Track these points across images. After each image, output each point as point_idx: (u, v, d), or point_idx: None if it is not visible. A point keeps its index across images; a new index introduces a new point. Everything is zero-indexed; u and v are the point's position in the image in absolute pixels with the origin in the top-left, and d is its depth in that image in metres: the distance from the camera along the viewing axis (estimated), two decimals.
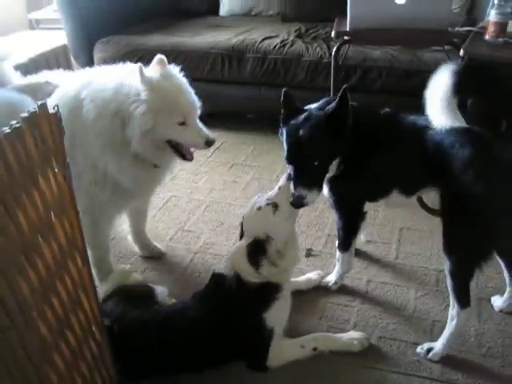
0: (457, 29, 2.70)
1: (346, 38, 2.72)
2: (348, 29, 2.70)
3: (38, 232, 1.27)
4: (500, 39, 2.46)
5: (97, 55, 3.82)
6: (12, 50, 2.22)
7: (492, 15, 2.46)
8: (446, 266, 1.82)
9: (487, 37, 2.49)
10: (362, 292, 2.28)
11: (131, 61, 3.55)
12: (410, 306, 2.19)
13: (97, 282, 1.92)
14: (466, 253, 1.79)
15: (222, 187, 3.06)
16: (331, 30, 3.06)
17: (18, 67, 3.68)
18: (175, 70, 2.00)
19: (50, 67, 3.97)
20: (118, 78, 1.93)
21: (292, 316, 2.00)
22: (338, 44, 2.72)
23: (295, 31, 3.62)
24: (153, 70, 1.93)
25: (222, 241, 2.61)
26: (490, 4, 2.48)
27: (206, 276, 2.04)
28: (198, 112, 2.02)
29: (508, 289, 2.12)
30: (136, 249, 2.57)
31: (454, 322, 1.87)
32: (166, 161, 2.09)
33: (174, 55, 3.43)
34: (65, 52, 4.12)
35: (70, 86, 2.03)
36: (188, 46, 3.56)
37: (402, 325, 2.10)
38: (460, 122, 1.73)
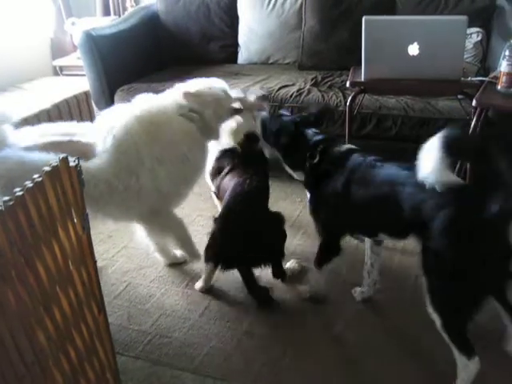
0: (470, 78, 2.75)
1: (360, 87, 2.78)
2: (363, 79, 2.75)
3: (57, 282, 1.31)
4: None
5: (117, 102, 3.91)
6: (12, 111, 2.29)
7: (504, 66, 2.50)
8: (436, 322, 1.80)
9: (499, 87, 2.53)
10: None
11: None
12: None
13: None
14: (453, 309, 1.78)
15: None
16: (347, 79, 3.13)
17: (41, 113, 3.84)
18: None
19: (71, 113, 4.11)
20: (168, 98, 2.51)
21: None
22: (353, 94, 2.77)
23: (311, 80, 3.69)
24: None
25: (237, 287, 2.59)
26: (502, 55, 2.52)
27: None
28: None
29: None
30: (159, 257, 2.79)
31: (463, 374, 1.82)
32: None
33: None
34: (87, 98, 4.23)
35: (127, 121, 2.32)
36: None
37: None
38: (448, 179, 1.74)
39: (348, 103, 2.80)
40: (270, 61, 4.29)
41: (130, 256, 2.91)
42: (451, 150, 1.71)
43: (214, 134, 2.55)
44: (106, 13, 5.08)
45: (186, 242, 2.70)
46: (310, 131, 2.30)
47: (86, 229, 1.46)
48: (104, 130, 2.35)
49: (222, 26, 4.40)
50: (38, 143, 2.24)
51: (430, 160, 1.74)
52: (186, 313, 2.47)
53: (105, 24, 4.28)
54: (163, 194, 2.40)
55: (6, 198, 1.08)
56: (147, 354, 2.24)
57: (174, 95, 2.49)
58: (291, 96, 3.44)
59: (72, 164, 1.36)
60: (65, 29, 4.86)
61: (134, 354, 2.25)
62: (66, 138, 2.32)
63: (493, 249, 1.69)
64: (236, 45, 4.40)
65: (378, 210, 1.96)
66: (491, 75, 2.72)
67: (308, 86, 3.55)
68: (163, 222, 2.57)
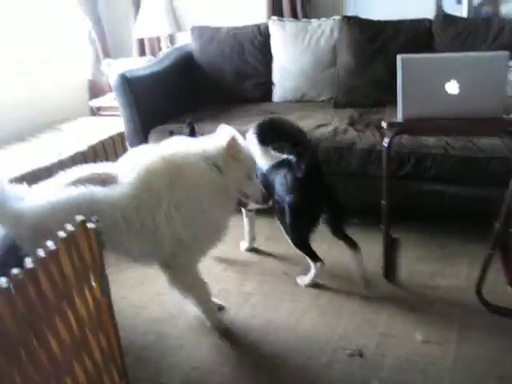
0: None
1: (398, 129, 2.67)
2: (400, 119, 2.65)
3: (71, 353, 1.23)
4: None
5: (151, 143, 3.88)
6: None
7: None
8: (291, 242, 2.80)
9: None
10: None
11: None
12: None
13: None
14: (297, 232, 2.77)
15: (273, 279, 3.00)
16: (383, 116, 3.03)
17: (76, 155, 3.84)
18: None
19: (107, 155, 4.10)
20: (199, 145, 2.42)
21: None
22: (391, 136, 2.66)
23: (347, 118, 3.60)
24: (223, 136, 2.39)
25: (271, 340, 2.51)
26: None
27: None
28: None
29: None
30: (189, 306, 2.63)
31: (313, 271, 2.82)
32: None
33: None
34: (122, 140, 4.23)
35: (153, 158, 2.32)
36: (241, 133, 3.54)
37: None
38: (275, 158, 2.81)
39: (386, 145, 2.67)
40: (305, 98, 4.22)
41: (161, 304, 2.83)
42: (263, 140, 2.76)
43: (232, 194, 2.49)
44: (142, 53, 5.12)
45: (207, 307, 2.59)
46: None
47: (106, 291, 1.38)
48: (129, 164, 2.38)
49: (256, 64, 4.36)
50: (64, 184, 2.27)
51: (256, 151, 2.68)
52: (217, 367, 2.36)
53: (140, 65, 4.29)
54: (178, 242, 2.33)
55: (15, 272, 1.01)
56: None
57: (204, 143, 2.44)
58: (327, 136, 3.35)
59: (91, 226, 1.29)
60: (101, 70, 4.91)
61: None
62: (88, 173, 2.35)
63: (312, 193, 2.70)
64: (270, 83, 4.35)
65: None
66: None
67: (344, 125, 3.46)
68: (181, 276, 2.48)
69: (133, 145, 4.04)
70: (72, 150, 3.92)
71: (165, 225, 2.28)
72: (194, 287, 2.51)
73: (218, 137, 2.42)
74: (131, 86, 3.88)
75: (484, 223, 2.61)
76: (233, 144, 2.35)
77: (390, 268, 2.87)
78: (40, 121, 4.36)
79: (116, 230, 2.23)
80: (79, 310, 1.25)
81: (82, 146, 3.98)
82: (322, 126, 3.49)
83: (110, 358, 1.42)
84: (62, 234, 1.17)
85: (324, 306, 2.73)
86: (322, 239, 2.86)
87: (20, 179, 3.04)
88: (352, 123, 3.51)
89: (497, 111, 2.56)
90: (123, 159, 2.49)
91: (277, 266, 3.12)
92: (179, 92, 4.27)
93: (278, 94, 4.31)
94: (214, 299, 2.68)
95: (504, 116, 2.57)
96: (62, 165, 3.86)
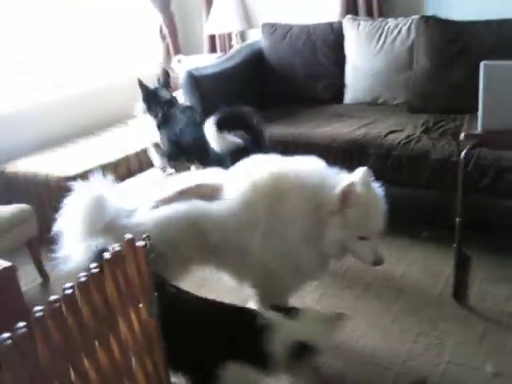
0: None
1: (477, 140, 2.48)
2: (479, 131, 2.45)
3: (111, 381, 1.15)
4: None
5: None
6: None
7: None
8: None
9: None
10: None
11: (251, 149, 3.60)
12: None
13: None
14: None
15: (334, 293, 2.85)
16: (461, 124, 2.84)
17: (142, 152, 3.82)
18: (376, 185, 2.12)
19: None
20: (318, 175, 2.11)
21: None
22: (468, 147, 2.47)
23: (422, 125, 3.39)
24: (356, 179, 2.03)
25: (329, 360, 2.34)
26: None
27: None
28: None
29: None
30: None
31: None
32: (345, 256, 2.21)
33: (295, 147, 3.32)
34: None
35: (262, 175, 2.13)
36: (308, 137, 3.47)
37: None
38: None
39: (463, 157, 2.49)
40: (378, 101, 4.03)
41: None
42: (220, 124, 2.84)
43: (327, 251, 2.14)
44: (213, 50, 5.06)
45: None
46: None
47: (153, 313, 1.29)
48: (237, 176, 2.22)
49: (328, 64, 4.21)
50: (167, 196, 2.20)
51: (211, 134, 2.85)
52: None
53: (210, 62, 4.23)
54: (268, 271, 2.16)
55: (52, 299, 0.93)
56: None
57: (327, 175, 2.13)
58: (399, 143, 3.17)
59: (139, 244, 1.20)
60: (171, 66, 4.88)
61: None
62: (193, 183, 2.25)
63: None
64: (342, 84, 4.18)
65: None
66: None
67: (418, 133, 3.26)
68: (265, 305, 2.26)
69: None
70: (137, 146, 3.92)
71: (258, 250, 2.12)
72: None
73: (346, 177, 2.09)
74: (198, 84, 3.83)
75: None
76: (347, 195, 1.99)
77: (460, 288, 2.67)
78: (109, 117, 4.37)
79: (213, 246, 2.15)
80: (124, 334, 1.17)
81: (146, 142, 3.95)
82: (394, 131, 3.31)
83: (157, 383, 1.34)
84: (107, 255, 1.09)
85: (388, 325, 2.57)
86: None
87: (85, 174, 3.09)
88: (426, 130, 3.31)
89: None
90: (233, 169, 2.31)
91: (338, 279, 2.97)
92: (248, 90, 4.17)
93: (349, 96, 4.14)
94: None
95: None
96: (128, 161, 3.88)
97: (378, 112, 3.79)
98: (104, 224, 2.11)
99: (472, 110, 2.59)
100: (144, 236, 1.26)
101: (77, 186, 2.13)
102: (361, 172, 2.07)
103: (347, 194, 1.98)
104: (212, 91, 3.89)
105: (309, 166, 2.17)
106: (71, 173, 3.43)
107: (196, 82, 3.80)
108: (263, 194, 2.10)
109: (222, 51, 4.98)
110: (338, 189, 2.00)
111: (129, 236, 1.17)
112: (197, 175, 2.32)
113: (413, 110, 3.73)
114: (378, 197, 2.08)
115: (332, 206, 2.00)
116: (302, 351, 1.79)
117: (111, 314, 1.11)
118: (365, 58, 4.03)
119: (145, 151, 3.83)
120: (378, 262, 2.08)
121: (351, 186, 1.98)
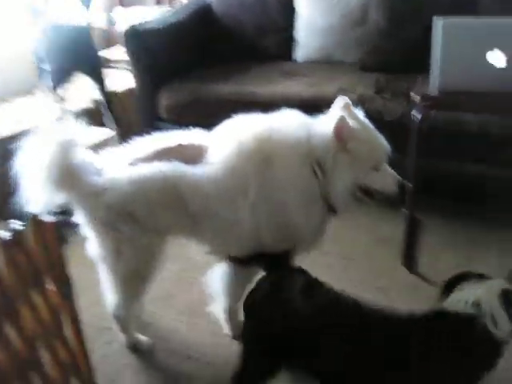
0: None
1: (432, 102, 2.36)
2: (434, 92, 2.33)
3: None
4: None
5: (162, 102, 3.61)
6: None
7: None
8: None
9: None
10: None
11: (197, 110, 3.42)
12: None
13: None
14: None
15: None
16: (414, 83, 2.78)
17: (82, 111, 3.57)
18: (360, 113, 1.97)
19: (118, 108, 3.83)
20: (302, 127, 1.92)
21: None
22: (424, 111, 2.35)
23: (375, 84, 3.26)
24: (340, 111, 1.88)
25: None
26: None
27: None
28: None
29: None
30: (225, 330, 2.29)
31: None
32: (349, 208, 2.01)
33: (242, 106, 3.12)
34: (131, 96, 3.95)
35: (246, 137, 1.92)
36: (257, 96, 3.29)
37: None
38: None
39: (418, 121, 2.36)
40: (331, 59, 3.86)
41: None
42: None
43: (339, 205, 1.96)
44: (158, 1, 4.80)
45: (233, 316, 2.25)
46: None
47: (68, 295, 1.13)
48: (221, 138, 2.00)
49: (279, 19, 4.01)
50: (145, 155, 1.97)
51: None
52: (212, 358, 2.15)
53: (154, 17, 3.99)
54: (257, 241, 1.97)
55: None
56: None
57: (313, 125, 1.94)
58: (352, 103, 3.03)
59: (48, 219, 1.03)
60: (112, 19, 4.60)
61: None
62: (175, 143, 2.01)
63: None
64: (293, 40, 4.00)
65: None
66: None
67: (370, 93, 3.12)
68: (243, 277, 2.12)
69: (142, 102, 3.78)
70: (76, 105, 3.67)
71: (247, 220, 1.92)
72: (237, 290, 2.16)
73: (330, 116, 1.91)
74: (142, 40, 3.60)
75: None
76: (341, 131, 1.82)
77: (410, 255, 2.60)
78: None
79: (195, 218, 1.95)
80: (26, 321, 1.00)
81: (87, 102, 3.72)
82: (346, 91, 3.15)
83: (74, 373, 1.18)
84: (3, 234, 0.91)
85: None
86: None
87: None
88: (379, 91, 3.17)
89: None
90: (217, 130, 2.07)
91: None
92: (195, 47, 3.96)
93: (301, 53, 3.97)
94: None
95: None
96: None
97: (330, 70, 3.63)
98: (71, 176, 1.85)
99: (425, 69, 2.47)
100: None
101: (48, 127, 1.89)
102: (341, 104, 1.92)
103: (341, 129, 1.81)
104: (157, 48, 3.67)
105: (291, 119, 1.98)
106: None
107: (139, 37, 3.57)
108: (250, 159, 1.88)
109: (168, 4, 4.72)
110: (330, 129, 1.82)
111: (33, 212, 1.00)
112: (180, 135, 2.08)
113: (365, 69, 3.59)
114: (368, 124, 1.96)
115: (331, 150, 1.83)
116: None
117: (9, 302, 0.95)
118: (317, 13, 3.84)
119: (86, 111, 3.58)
120: (400, 185, 1.97)
121: (342, 120, 1.81)
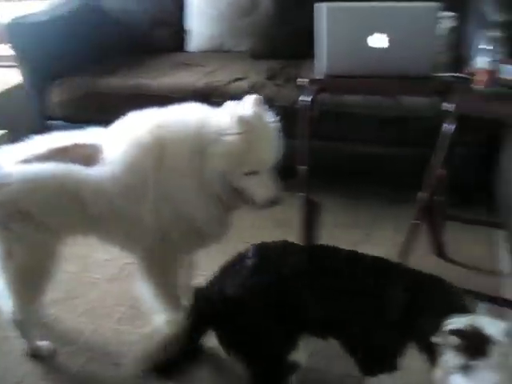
0: (442, 74, 2.40)
1: (319, 86, 2.42)
2: (321, 76, 2.40)
3: None
4: (491, 89, 2.17)
5: (53, 98, 3.51)
6: None
7: (480, 61, 2.17)
8: None
9: (477, 86, 2.20)
10: None
11: (89, 105, 3.34)
12: None
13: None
14: None
15: None
16: (305, 69, 2.82)
17: None
18: (268, 115, 1.89)
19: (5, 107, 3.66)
20: (197, 116, 1.87)
21: None
22: (312, 93, 2.41)
23: (266, 71, 3.32)
24: (247, 107, 1.82)
25: None
26: (479, 48, 2.19)
27: None
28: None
29: None
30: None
31: None
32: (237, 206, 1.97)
33: (135, 99, 3.10)
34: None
35: (141, 131, 1.88)
36: (150, 89, 3.27)
37: None
38: None
39: (307, 104, 2.42)
40: (223, 48, 3.89)
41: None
42: None
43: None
44: None
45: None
46: None
47: None
48: (117, 135, 1.95)
49: (171, 9, 4.00)
50: (40, 153, 1.88)
51: None
52: (117, 357, 2.10)
53: (38, 9, 3.82)
54: (163, 238, 1.94)
55: None
56: None
57: (211, 115, 1.88)
58: (243, 91, 3.04)
59: None
60: None
61: None
62: (71, 143, 1.93)
63: None
64: (186, 31, 3.98)
65: None
66: (466, 70, 2.37)
67: (262, 79, 3.18)
68: (156, 275, 2.07)
69: (32, 100, 3.64)
70: None
71: (150, 216, 1.88)
72: (165, 290, 2.10)
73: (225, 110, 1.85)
74: (27, 34, 3.49)
75: (410, 184, 2.42)
76: (238, 123, 1.77)
77: (309, 236, 2.66)
78: None
79: (98, 218, 1.90)
80: None
81: None
82: (238, 79, 3.20)
83: None
84: None
85: None
86: None
87: None
88: (270, 77, 3.24)
89: (425, 69, 2.34)
90: (113, 127, 2.00)
91: None
92: (85, 40, 3.83)
93: (193, 43, 3.97)
94: None
95: (433, 74, 2.36)
96: None
97: (222, 59, 3.66)
98: None
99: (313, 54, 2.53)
100: None
101: None
102: (252, 98, 1.85)
103: (232, 117, 1.76)
104: (45, 42, 3.56)
105: (188, 110, 1.94)
106: None
107: (25, 31, 3.46)
108: (146, 154, 1.84)
109: None
110: (219, 124, 1.79)
111: None
112: (75, 134, 2.00)
113: (257, 57, 3.64)
114: (268, 127, 1.86)
115: (213, 135, 1.79)
116: None
117: None
118: (206, 2, 3.85)
119: None
120: (274, 200, 1.85)
121: (236, 109, 1.79)
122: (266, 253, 1.77)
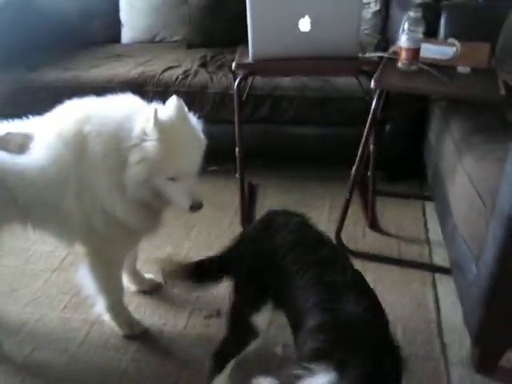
0: (368, 54, 2.51)
1: (249, 70, 2.49)
2: (251, 60, 2.46)
3: None
4: (413, 67, 2.29)
5: None
6: None
7: (403, 41, 2.28)
8: None
9: (400, 64, 2.31)
10: None
11: (22, 99, 3.30)
12: None
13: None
14: None
15: None
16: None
17: None
18: (190, 116, 1.89)
19: None
20: (123, 112, 1.83)
21: None
22: (240, 77, 2.48)
23: (200, 59, 3.36)
24: (167, 111, 1.79)
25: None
26: (401, 29, 2.29)
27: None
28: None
29: None
30: (132, 288, 2.36)
31: None
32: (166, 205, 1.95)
33: (68, 91, 3.04)
34: None
35: (66, 122, 1.86)
36: (83, 80, 3.23)
37: None
38: None
39: (235, 87, 2.49)
40: (157, 39, 3.91)
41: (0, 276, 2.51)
42: None
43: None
44: None
45: (116, 313, 2.15)
46: None
47: None
48: (45, 126, 1.92)
49: (105, 2, 3.98)
50: None
51: None
52: (64, 344, 2.13)
53: None
54: (93, 231, 1.93)
55: None
56: None
57: (136, 110, 1.83)
58: (176, 79, 3.10)
59: None
60: None
61: None
62: (4, 131, 1.92)
63: None
64: (119, 23, 3.97)
65: None
66: (390, 50, 2.48)
67: (195, 67, 3.22)
68: (95, 269, 2.05)
69: None
70: None
71: (74, 207, 1.87)
72: (105, 284, 2.09)
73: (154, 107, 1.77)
74: None
75: (343, 163, 2.52)
76: (149, 124, 1.72)
77: (247, 217, 2.73)
78: None
79: (27, 209, 1.90)
80: None
81: None
82: (171, 68, 3.22)
83: None
84: None
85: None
86: None
87: None
88: (204, 65, 3.28)
89: (352, 50, 2.44)
90: (44, 117, 1.97)
91: None
92: (13, 35, 3.76)
93: (127, 35, 3.95)
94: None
95: (360, 54, 2.46)
96: None
97: (157, 50, 3.66)
98: None
99: (246, 41, 2.58)
100: None
101: None
102: (173, 102, 1.82)
103: (149, 123, 1.71)
104: None
105: (117, 104, 1.90)
106: None
107: None
108: (68, 144, 1.83)
109: None
110: (142, 121, 1.74)
111: None
112: (9, 124, 1.98)
113: (191, 46, 3.67)
114: (190, 131, 1.84)
115: (132, 140, 1.75)
116: None
117: None
118: None
119: None
120: (195, 206, 1.83)
121: (154, 114, 1.70)
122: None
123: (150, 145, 1.72)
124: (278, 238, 1.67)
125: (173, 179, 1.79)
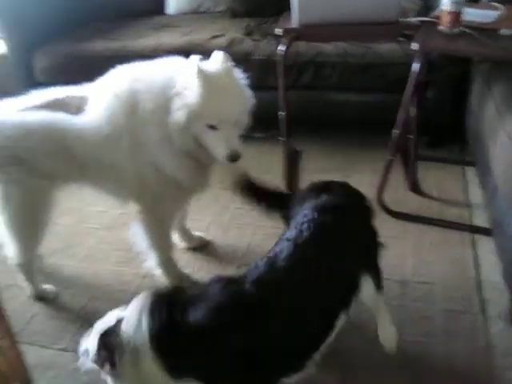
0: (409, 19, 2.53)
1: (294, 35, 2.54)
2: (296, 25, 2.51)
3: None
4: (455, 29, 2.31)
5: (37, 65, 3.59)
6: None
7: (446, 4, 2.30)
8: None
9: (442, 27, 2.33)
10: None
11: (73, 69, 3.42)
12: None
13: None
14: None
15: None
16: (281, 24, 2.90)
17: None
18: (234, 70, 1.93)
19: None
20: (170, 70, 1.91)
21: None
22: (287, 43, 2.53)
23: (244, 28, 3.42)
24: (212, 63, 1.88)
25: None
26: None
27: None
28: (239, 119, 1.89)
29: None
30: (182, 245, 2.52)
31: None
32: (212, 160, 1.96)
33: (116, 60, 3.16)
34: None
35: (120, 83, 1.98)
36: (130, 49, 3.34)
37: None
38: None
39: (282, 53, 2.54)
40: (201, 9, 4.00)
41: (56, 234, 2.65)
42: None
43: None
44: None
45: (166, 266, 2.28)
46: None
47: None
48: (100, 88, 2.04)
49: None
50: (35, 103, 2.01)
51: None
52: (117, 295, 2.26)
53: None
54: (145, 186, 2.04)
55: None
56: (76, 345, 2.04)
57: (181, 69, 1.89)
58: (222, 47, 3.15)
59: None
60: None
61: (61, 347, 2.06)
62: (63, 94, 2.06)
63: None
64: None
65: None
66: (432, 14, 2.50)
67: (240, 35, 3.29)
68: (148, 224, 2.16)
69: (16, 67, 3.72)
70: None
71: (128, 164, 1.99)
72: (157, 241, 2.21)
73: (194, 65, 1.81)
74: (7, 5, 3.52)
75: (385, 129, 2.56)
76: (198, 78, 1.78)
77: (291, 181, 2.80)
78: None
79: (83, 166, 2.04)
80: None
81: None
82: (217, 36, 3.30)
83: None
84: None
85: (226, 223, 2.69)
86: None
87: None
88: (249, 33, 3.35)
89: (393, 14, 2.46)
90: (98, 81, 2.09)
91: None
92: (63, 8, 3.89)
93: (171, 6, 4.06)
94: None
95: (401, 19, 2.49)
96: None
97: (201, 20, 3.75)
98: None
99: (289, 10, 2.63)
100: None
101: None
102: (219, 55, 1.89)
103: (193, 74, 1.77)
104: (26, 10, 3.61)
105: (165, 64, 1.99)
106: None
107: (5, 3, 3.49)
108: (122, 102, 1.94)
109: None
110: (185, 73, 1.82)
111: None
112: (66, 89, 2.10)
113: (235, 15, 3.75)
114: (232, 82, 1.88)
115: (176, 89, 1.83)
116: None
117: None
118: None
119: None
120: (232, 155, 1.83)
121: (197, 63, 1.79)
122: None
123: (191, 92, 1.79)
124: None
125: (212, 127, 1.82)
